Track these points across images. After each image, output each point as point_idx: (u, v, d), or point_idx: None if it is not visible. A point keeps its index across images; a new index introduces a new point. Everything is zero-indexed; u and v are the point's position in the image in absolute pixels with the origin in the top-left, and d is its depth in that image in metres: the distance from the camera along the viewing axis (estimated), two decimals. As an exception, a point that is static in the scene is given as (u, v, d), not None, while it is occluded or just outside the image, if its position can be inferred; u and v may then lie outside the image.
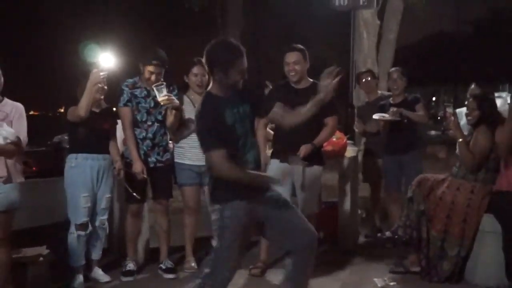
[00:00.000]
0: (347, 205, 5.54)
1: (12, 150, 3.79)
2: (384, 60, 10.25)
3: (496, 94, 5.53)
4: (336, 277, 4.67)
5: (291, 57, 4.45)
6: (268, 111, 3.38)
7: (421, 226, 4.40)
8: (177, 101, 4.49)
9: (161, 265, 4.73)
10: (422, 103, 5.30)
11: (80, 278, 4.40)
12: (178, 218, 5.23)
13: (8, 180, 3.80)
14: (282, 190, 4.27)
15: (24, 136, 3.90)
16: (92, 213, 4.44)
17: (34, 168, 7.90)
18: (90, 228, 4.41)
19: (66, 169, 4.43)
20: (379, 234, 5.29)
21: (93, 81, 4.22)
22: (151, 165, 4.59)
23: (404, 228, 4.44)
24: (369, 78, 6.04)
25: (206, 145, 3.15)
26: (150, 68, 4.51)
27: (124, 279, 4.59)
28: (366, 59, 9.44)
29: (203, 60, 3.24)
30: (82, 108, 4.21)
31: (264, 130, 4.79)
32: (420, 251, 4.43)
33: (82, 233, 4.36)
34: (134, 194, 4.56)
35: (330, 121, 4.47)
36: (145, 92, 4.59)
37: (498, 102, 4.94)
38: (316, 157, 4.51)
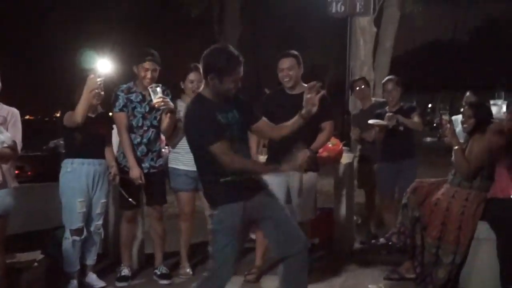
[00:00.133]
0: (342, 211, 5.55)
1: (9, 154, 3.79)
2: (380, 67, 10.30)
3: (491, 102, 5.56)
4: (331, 283, 4.66)
5: (285, 63, 4.47)
6: (255, 121, 3.40)
7: (415, 233, 4.40)
8: (171, 104, 4.49)
9: (156, 271, 4.72)
10: (417, 112, 5.32)
11: (74, 283, 4.39)
12: (173, 224, 5.23)
13: (3, 185, 3.80)
14: (278, 197, 4.30)
15: (19, 141, 3.91)
16: (87, 218, 4.43)
17: (29, 173, 7.89)
18: (85, 233, 4.41)
19: (62, 174, 4.42)
20: (373, 241, 5.29)
21: (90, 87, 4.23)
22: (145, 171, 4.58)
23: (399, 235, 4.45)
24: (362, 86, 6.05)
25: (207, 140, 3.11)
26: (145, 64, 4.52)
27: (119, 284, 4.58)
28: (363, 66, 9.47)
29: (200, 64, 3.25)
30: (79, 113, 4.21)
31: (257, 137, 4.79)
32: (415, 258, 4.43)
33: (77, 238, 4.35)
34: (130, 200, 4.56)
35: (326, 125, 4.47)
36: (141, 97, 4.59)
37: (494, 109, 4.97)
38: (311, 163, 4.51)
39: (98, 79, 4.26)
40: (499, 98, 7.18)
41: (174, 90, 4.75)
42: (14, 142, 3.82)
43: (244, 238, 3.44)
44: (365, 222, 6.23)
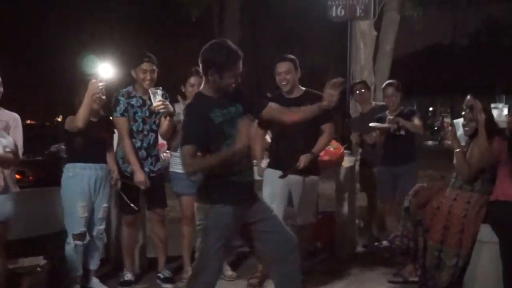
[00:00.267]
0: (344, 214, 5.55)
1: (11, 159, 3.79)
2: (381, 71, 10.31)
3: (492, 105, 5.54)
4: (334, 287, 4.65)
5: (282, 67, 4.47)
6: (261, 108, 3.39)
7: (418, 236, 4.40)
8: (171, 107, 4.49)
9: (159, 275, 4.72)
10: (418, 115, 5.32)
11: (77, 288, 4.39)
12: (175, 228, 5.22)
13: (4, 190, 3.80)
14: (279, 200, 4.31)
15: (20, 146, 3.92)
16: (90, 223, 4.43)
17: (31, 178, 7.88)
18: (88, 238, 4.40)
19: (64, 179, 4.42)
20: (376, 244, 5.29)
21: (92, 92, 4.23)
22: None
23: (402, 238, 4.44)
24: (363, 90, 6.06)
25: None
26: (143, 66, 4.53)
27: (122, 289, 4.58)
28: (363, 70, 9.49)
29: (199, 60, 3.24)
30: (80, 118, 4.22)
31: (263, 140, 4.80)
32: (416, 260, 4.42)
33: (80, 243, 4.35)
34: (132, 205, 4.56)
35: (327, 128, 4.48)
36: (141, 101, 4.59)
37: (495, 113, 4.96)
38: (312, 167, 4.51)
39: (100, 84, 4.27)
40: (499, 101, 7.18)
41: (174, 92, 4.75)
42: (16, 146, 3.83)
43: (231, 242, 3.42)
44: (367, 225, 6.23)
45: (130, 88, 4.62)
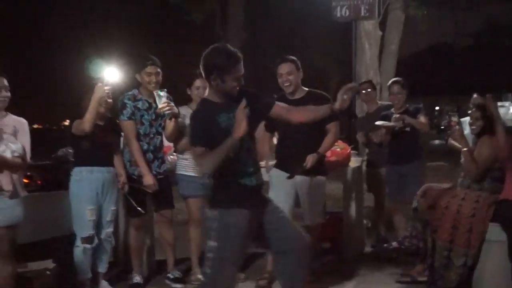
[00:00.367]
0: (352, 215, 5.54)
1: (19, 164, 3.82)
2: (386, 70, 10.30)
3: (499, 104, 5.53)
4: (342, 288, 4.66)
5: (284, 68, 4.48)
6: (269, 108, 3.39)
7: (426, 236, 4.39)
8: (176, 109, 4.50)
9: (169, 275, 4.74)
10: (423, 112, 5.31)
11: (86, 291, 4.40)
12: (182, 230, 5.23)
13: (13, 195, 3.82)
14: (285, 201, 4.31)
15: (28, 151, 3.94)
16: (98, 226, 4.45)
17: (38, 182, 7.91)
18: (96, 241, 4.42)
19: (71, 182, 4.44)
20: (385, 245, 5.28)
21: (98, 96, 4.25)
22: None
23: (411, 238, 4.43)
24: (369, 89, 6.05)
25: (190, 142, 3.25)
26: (148, 69, 4.54)
27: (131, 291, 4.60)
28: (368, 70, 9.49)
29: (200, 66, 3.26)
30: (87, 122, 4.23)
31: (270, 142, 4.80)
32: (425, 261, 4.41)
33: (88, 246, 4.36)
34: (139, 208, 4.57)
35: (332, 127, 4.47)
36: (147, 105, 4.61)
37: (501, 111, 4.94)
38: (319, 167, 4.51)
39: (106, 88, 4.29)
40: (506, 100, 7.18)
41: (179, 96, 4.76)
42: (24, 151, 3.85)
43: (248, 243, 3.41)
44: (374, 225, 6.22)
45: (135, 91, 4.63)
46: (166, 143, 4.88)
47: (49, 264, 4.36)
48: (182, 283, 4.67)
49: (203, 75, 3.28)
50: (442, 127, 4.85)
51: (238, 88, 3.23)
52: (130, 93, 4.62)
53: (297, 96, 4.50)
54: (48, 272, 4.28)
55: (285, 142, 4.59)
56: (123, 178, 4.55)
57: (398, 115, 5.14)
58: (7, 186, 3.79)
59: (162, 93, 4.39)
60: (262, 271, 4.71)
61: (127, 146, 4.63)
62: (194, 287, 4.65)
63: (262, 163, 4.89)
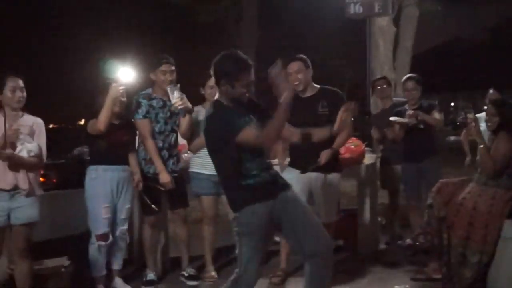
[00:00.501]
0: (366, 212, 5.52)
1: (35, 163, 3.87)
2: (401, 67, 10.24)
3: (512, 99, 5.47)
4: (356, 285, 4.64)
5: (293, 67, 4.47)
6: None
7: (442, 232, 4.36)
8: (189, 104, 4.51)
9: (184, 273, 4.77)
10: (438, 109, 5.26)
11: (101, 288, 4.44)
12: (196, 228, 5.25)
13: (30, 193, 3.88)
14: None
15: (44, 150, 3.99)
16: (113, 223, 4.48)
17: (54, 180, 8.00)
18: (111, 238, 4.45)
19: (87, 181, 4.48)
20: (399, 242, 5.25)
21: (113, 95, 4.28)
22: None
23: (425, 235, 4.40)
24: (384, 86, 6.02)
25: (232, 131, 3.10)
26: (163, 67, 4.57)
27: (145, 289, 4.62)
28: (383, 66, 9.44)
29: (211, 71, 3.28)
30: (101, 122, 4.26)
31: (282, 143, 4.80)
32: (441, 258, 4.38)
33: (103, 243, 4.40)
34: (153, 206, 4.60)
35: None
36: (161, 103, 4.63)
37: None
38: (334, 164, 4.50)
39: (120, 87, 4.32)
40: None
41: (193, 96, 4.77)
42: (40, 151, 3.91)
43: (268, 239, 3.44)
44: (389, 222, 6.19)
45: (149, 90, 4.67)
46: (181, 141, 4.90)
47: (65, 261, 4.39)
48: (196, 280, 4.69)
49: (215, 81, 3.32)
50: (458, 123, 4.80)
51: (247, 94, 3.24)
52: (144, 92, 4.66)
53: (309, 93, 4.49)
54: (63, 269, 4.31)
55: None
56: (137, 176, 4.58)
57: (412, 112, 5.10)
58: (24, 185, 3.85)
59: (175, 89, 4.41)
60: (276, 269, 4.71)
61: (143, 144, 4.66)
62: (208, 285, 4.67)
63: (276, 161, 4.90)
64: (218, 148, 3.24)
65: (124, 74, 4.44)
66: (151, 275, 4.70)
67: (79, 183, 4.68)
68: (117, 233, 4.52)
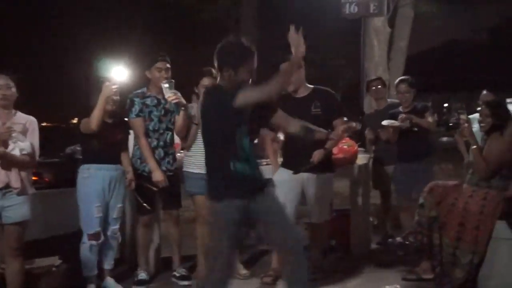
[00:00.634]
0: (358, 212, 5.53)
1: (27, 161, 3.86)
2: (395, 67, 10.25)
3: (508, 100, 5.50)
4: (348, 285, 4.64)
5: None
6: (272, 114, 3.42)
7: (432, 232, 4.36)
8: (183, 99, 4.49)
9: (175, 273, 4.75)
10: (431, 111, 5.27)
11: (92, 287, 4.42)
12: (189, 228, 5.24)
13: (22, 191, 3.86)
14: (290, 199, 4.29)
15: (37, 148, 3.97)
16: (104, 222, 4.47)
17: (46, 179, 7.97)
18: (102, 238, 4.44)
19: (79, 180, 4.46)
20: (390, 240, 5.25)
21: (105, 94, 4.27)
22: None
23: (415, 235, 4.41)
24: (379, 86, 6.03)
25: (230, 99, 3.10)
26: (158, 64, 4.56)
27: (137, 288, 4.61)
28: (377, 67, 9.45)
29: (214, 58, 3.25)
30: (94, 121, 4.25)
31: (274, 144, 4.80)
32: (434, 258, 4.39)
33: (95, 242, 4.38)
34: (145, 205, 4.59)
35: (338, 123, 4.46)
36: (156, 101, 4.62)
37: (511, 108, 4.91)
38: (327, 164, 4.50)
39: (114, 86, 4.30)
40: (515, 97, 7.12)
41: (190, 95, 4.76)
42: (33, 149, 3.89)
43: (241, 235, 3.36)
44: (381, 223, 6.20)
45: (144, 89, 4.66)
46: (175, 140, 4.89)
47: (56, 260, 4.38)
48: (188, 280, 4.68)
49: (216, 65, 3.27)
50: (451, 124, 4.82)
51: (249, 81, 3.23)
52: (138, 91, 4.65)
53: (302, 94, 4.49)
54: (54, 269, 4.30)
55: (291, 139, 4.58)
56: (130, 176, 4.56)
57: (404, 115, 5.10)
58: (16, 184, 3.83)
59: (168, 84, 4.40)
60: (267, 268, 4.71)
61: (137, 143, 4.65)
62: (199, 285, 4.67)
63: (268, 161, 4.90)
64: (215, 121, 3.21)
65: (118, 73, 4.42)
66: (142, 275, 4.69)
67: (72, 182, 4.67)
68: (109, 232, 4.51)
